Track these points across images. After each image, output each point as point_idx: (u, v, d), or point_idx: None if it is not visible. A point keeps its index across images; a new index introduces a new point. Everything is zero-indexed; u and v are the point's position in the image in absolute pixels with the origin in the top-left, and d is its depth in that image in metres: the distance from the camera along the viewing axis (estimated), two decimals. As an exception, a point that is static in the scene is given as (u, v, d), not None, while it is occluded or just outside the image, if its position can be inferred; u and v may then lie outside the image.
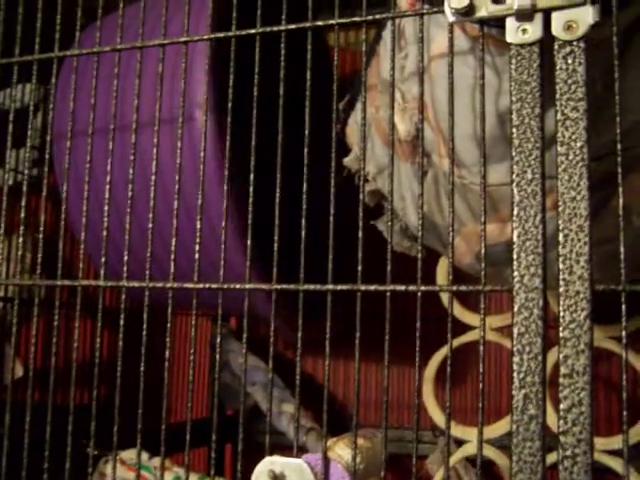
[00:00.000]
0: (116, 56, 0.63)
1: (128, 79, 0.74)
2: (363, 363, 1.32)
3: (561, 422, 0.47)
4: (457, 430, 0.96)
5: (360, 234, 0.53)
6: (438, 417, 0.99)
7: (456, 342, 0.99)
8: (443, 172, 0.63)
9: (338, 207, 0.63)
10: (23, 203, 0.66)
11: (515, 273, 0.49)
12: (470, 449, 0.96)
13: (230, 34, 0.59)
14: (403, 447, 1.20)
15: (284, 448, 1.31)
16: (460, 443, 1.18)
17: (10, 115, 0.70)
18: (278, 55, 0.57)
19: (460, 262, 0.69)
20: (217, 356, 0.58)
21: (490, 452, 0.94)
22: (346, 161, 0.76)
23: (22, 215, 0.66)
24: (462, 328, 1.01)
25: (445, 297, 0.98)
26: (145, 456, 1.00)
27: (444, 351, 1.00)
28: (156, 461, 1.00)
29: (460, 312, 1.01)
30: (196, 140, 0.82)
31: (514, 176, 0.50)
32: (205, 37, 0.60)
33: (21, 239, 0.66)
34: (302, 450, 1.20)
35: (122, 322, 0.59)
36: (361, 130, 0.55)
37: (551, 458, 0.50)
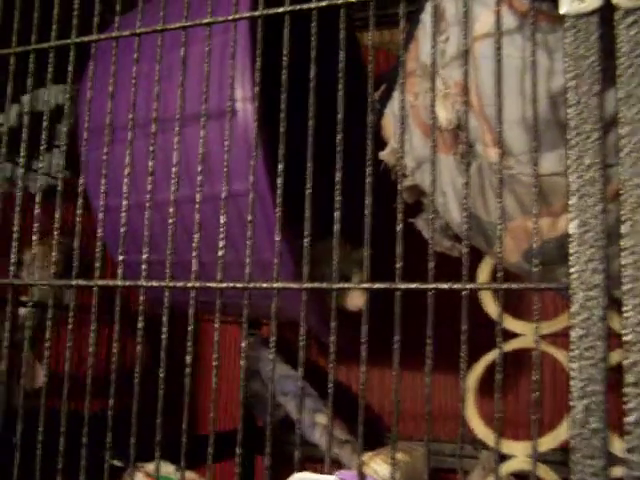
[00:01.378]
0: (136, 41, 0.59)
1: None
2: (402, 370, 1.27)
3: (628, 437, 0.41)
4: (499, 444, 0.90)
5: (399, 227, 0.48)
6: (480, 430, 0.93)
7: (498, 351, 0.94)
8: (488, 163, 0.58)
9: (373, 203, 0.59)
10: (36, 201, 0.62)
11: (573, 269, 0.44)
12: (515, 465, 0.90)
13: (257, 14, 0.55)
14: (442, 461, 1.14)
15: (317, 461, 1.26)
16: (504, 458, 1.12)
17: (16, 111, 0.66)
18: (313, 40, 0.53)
19: (506, 261, 0.63)
20: (242, 362, 0.54)
21: (537, 468, 0.88)
22: (382, 155, 0.71)
23: (36, 216, 0.62)
24: (504, 336, 0.95)
25: (487, 299, 0.93)
26: (171, 468, 0.96)
27: (486, 359, 0.94)
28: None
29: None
30: (237, 134, 0.77)
31: (570, 161, 0.45)
32: (230, 18, 0.56)
33: (36, 246, 0.63)
34: (335, 464, 1.15)
35: (140, 325, 0.55)
36: (400, 115, 0.50)
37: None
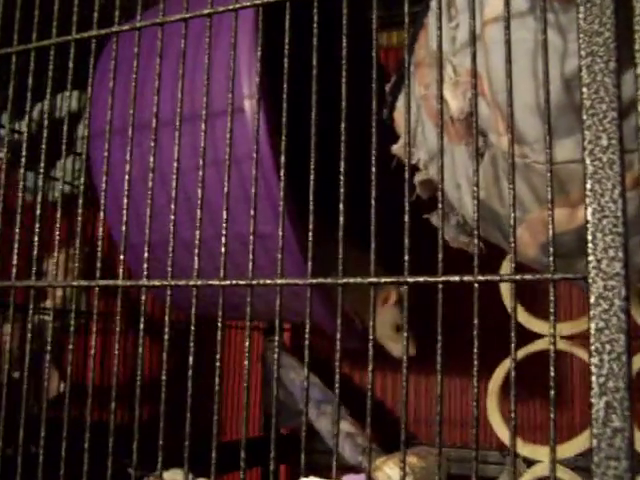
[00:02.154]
0: (136, 35, 0.58)
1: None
2: (423, 372, 1.24)
3: (652, 436, 0.39)
4: (525, 449, 0.87)
5: (406, 218, 0.46)
6: (505, 435, 0.90)
7: (522, 352, 0.91)
8: (502, 152, 0.55)
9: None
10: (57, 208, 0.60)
11: (590, 257, 0.41)
12: (540, 470, 0.87)
13: (257, 2, 0.53)
14: (467, 468, 1.11)
15: (340, 469, 1.23)
16: (530, 464, 1.09)
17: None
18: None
19: (523, 255, 0.61)
20: (246, 362, 0.51)
21: (564, 474, 0.85)
22: (395, 149, 0.68)
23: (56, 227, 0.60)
24: (530, 337, 0.92)
25: (508, 295, 0.90)
26: (189, 477, 0.94)
27: (509, 362, 0.91)
28: (201, 482, 0.94)
29: (526, 319, 0.92)
30: (247, 133, 0.74)
31: (586, 143, 0.42)
32: (230, 7, 0.54)
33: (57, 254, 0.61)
34: (357, 471, 1.12)
35: (142, 326, 0.53)
36: (405, 103, 0.48)
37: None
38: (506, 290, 0.92)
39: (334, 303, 0.82)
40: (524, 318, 0.92)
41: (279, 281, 0.49)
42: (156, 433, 0.56)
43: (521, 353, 0.91)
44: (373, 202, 0.47)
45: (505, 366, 0.91)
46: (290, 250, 0.74)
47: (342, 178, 0.49)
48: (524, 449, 0.87)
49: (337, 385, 0.48)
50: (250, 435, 1.34)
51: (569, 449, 0.85)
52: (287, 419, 1.31)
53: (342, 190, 0.49)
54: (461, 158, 0.60)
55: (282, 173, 0.50)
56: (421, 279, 0.44)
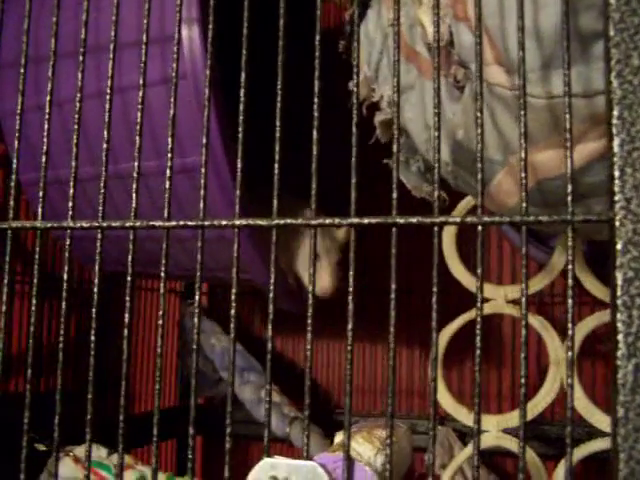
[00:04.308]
0: None
1: None
2: (355, 341, 1.18)
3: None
4: (470, 419, 0.82)
5: (394, 148, 0.39)
6: (447, 403, 0.84)
7: (466, 316, 0.86)
8: (487, 84, 0.49)
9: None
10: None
11: (618, 197, 0.35)
12: (487, 440, 0.82)
13: None
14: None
15: (264, 440, 1.16)
16: (462, 434, 1.05)
17: None
18: None
19: (502, 205, 0.54)
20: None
21: (509, 443, 0.81)
22: (353, 85, 0.61)
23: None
24: (473, 301, 0.87)
25: (453, 262, 0.85)
26: (103, 452, 0.85)
27: (452, 328, 0.86)
28: (116, 458, 0.85)
29: (470, 282, 0.87)
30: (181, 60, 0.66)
31: (614, 64, 0.36)
32: None
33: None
34: (284, 443, 1.05)
35: (66, 277, 0.44)
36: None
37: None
38: (450, 255, 0.87)
39: (268, 252, 0.75)
40: (468, 281, 0.87)
41: (237, 222, 0.40)
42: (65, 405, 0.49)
43: (465, 318, 0.86)
44: (354, 137, 0.40)
45: (449, 331, 0.86)
46: (224, 186, 0.66)
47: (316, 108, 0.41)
48: (469, 419, 0.82)
49: (269, 346, 0.40)
50: (165, 405, 1.25)
51: (516, 418, 0.80)
52: (205, 388, 1.23)
53: (316, 132, 0.41)
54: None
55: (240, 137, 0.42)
56: (414, 220, 0.37)
